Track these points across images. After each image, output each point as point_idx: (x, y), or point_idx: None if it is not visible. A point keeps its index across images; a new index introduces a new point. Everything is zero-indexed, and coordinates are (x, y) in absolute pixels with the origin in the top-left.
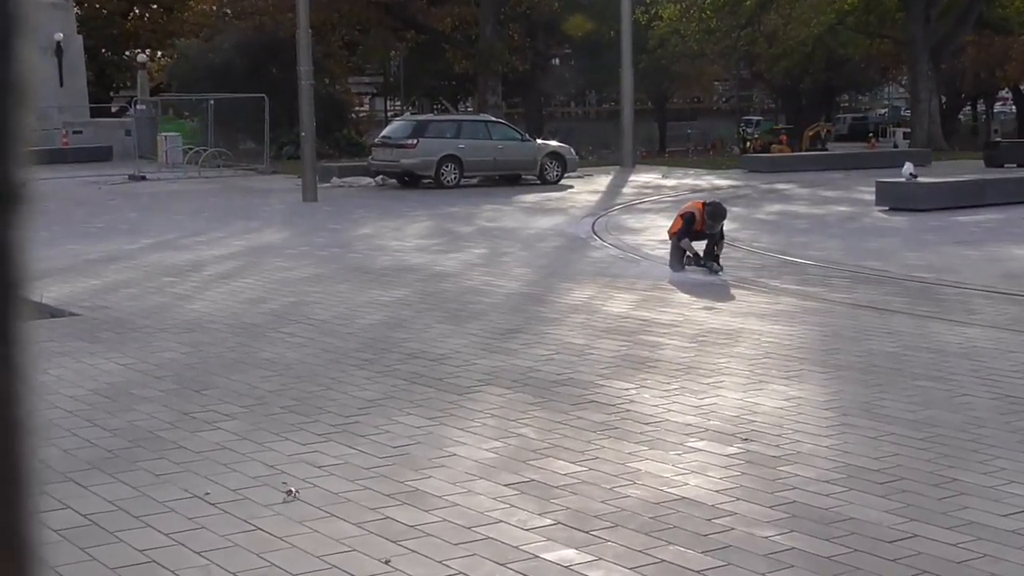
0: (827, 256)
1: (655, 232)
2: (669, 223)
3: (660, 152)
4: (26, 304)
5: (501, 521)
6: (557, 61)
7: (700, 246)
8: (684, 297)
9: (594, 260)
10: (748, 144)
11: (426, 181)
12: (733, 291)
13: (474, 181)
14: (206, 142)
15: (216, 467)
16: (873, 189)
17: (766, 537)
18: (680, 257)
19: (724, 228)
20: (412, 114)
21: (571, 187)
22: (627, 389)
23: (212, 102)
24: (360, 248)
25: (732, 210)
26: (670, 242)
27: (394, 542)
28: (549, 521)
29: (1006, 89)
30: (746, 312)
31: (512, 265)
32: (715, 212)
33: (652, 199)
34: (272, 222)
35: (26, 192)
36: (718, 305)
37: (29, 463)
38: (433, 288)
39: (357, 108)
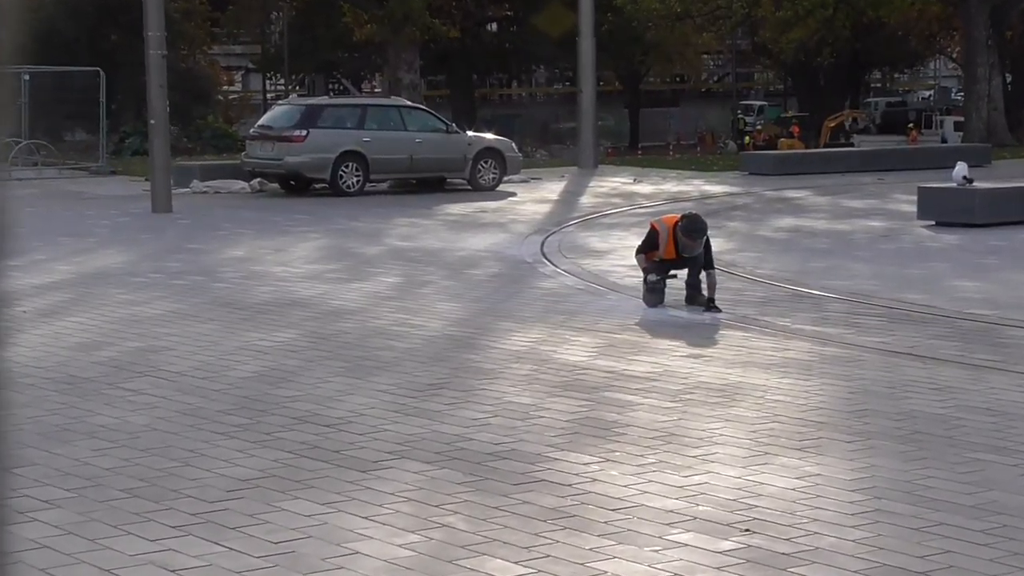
0: (853, 286)
1: (624, 254)
2: (640, 239)
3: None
4: None
5: None
6: (494, 26)
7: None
8: (664, 342)
9: (544, 292)
10: (748, 138)
11: (319, 186)
12: (728, 333)
13: (383, 186)
14: (19, 132)
15: (31, 574)
16: (914, 198)
17: None
18: (657, 287)
19: (712, 251)
20: (300, 96)
21: (513, 195)
22: (588, 464)
23: (27, 77)
24: (230, 276)
25: (728, 226)
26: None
27: None
28: None
29: None
30: (746, 361)
31: (434, 299)
32: (690, 227)
33: (620, 211)
34: (111, 240)
35: None
36: (709, 352)
37: None
38: (329, 329)
39: (226, 88)
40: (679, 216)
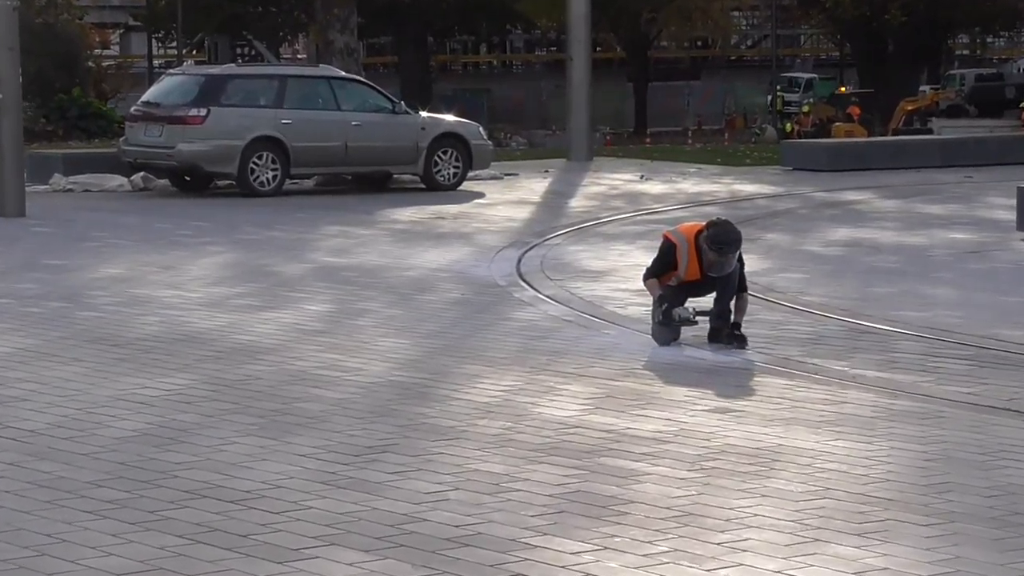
0: (931, 319)
1: (627, 275)
2: (652, 255)
3: (638, 135)
4: None
5: None
6: None
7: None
8: (679, 391)
9: (520, 325)
10: (792, 123)
11: (223, 183)
12: (765, 380)
13: (308, 184)
14: None
15: None
16: (1013, 202)
17: None
18: (670, 320)
19: (743, 268)
20: (198, 64)
21: (480, 195)
22: (578, 553)
23: None
24: (103, 302)
25: (765, 239)
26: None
27: None
28: None
29: None
30: (788, 418)
31: (375, 334)
32: (720, 236)
33: (622, 217)
34: None
35: None
36: (739, 405)
37: None
38: (235, 374)
39: (99, 52)
40: (703, 224)
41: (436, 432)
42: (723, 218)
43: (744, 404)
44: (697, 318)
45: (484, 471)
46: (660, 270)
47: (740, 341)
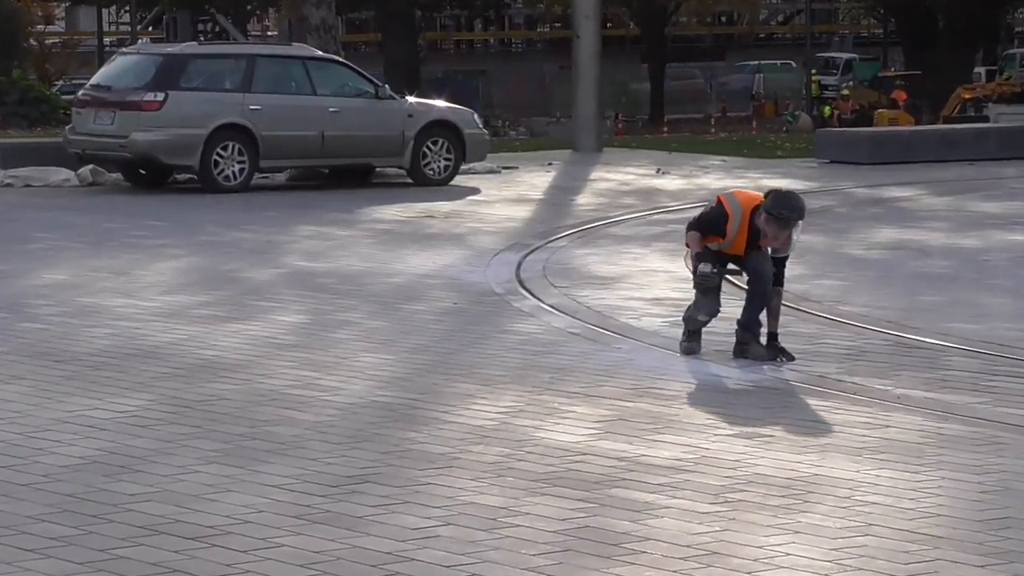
0: (987, 332)
1: (641, 282)
2: (669, 259)
3: (654, 122)
4: None
5: None
6: None
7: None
8: (700, 414)
9: (521, 338)
10: (829, 108)
11: (183, 177)
12: (799, 401)
13: (280, 178)
14: None
15: None
16: None
17: None
18: (710, 283)
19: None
20: (155, 43)
21: (475, 191)
22: None
23: None
24: (46, 313)
25: (800, 241)
26: (691, 276)
27: None
28: None
29: None
30: (824, 444)
31: (356, 348)
32: (784, 203)
33: (635, 217)
34: None
35: None
36: (768, 429)
37: None
38: (197, 393)
39: (42, 28)
40: (761, 197)
41: (425, 460)
42: (784, 189)
43: (774, 428)
44: (723, 277)
45: (479, 504)
46: (706, 227)
47: (786, 355)
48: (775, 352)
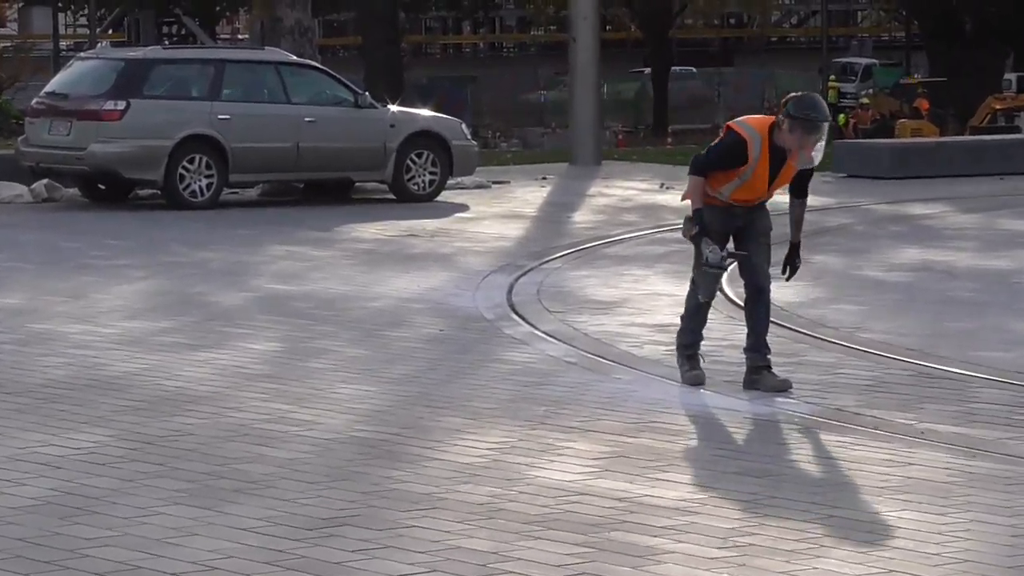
0: (1018, 361)
1: (643, 306)
2: (673, 282)
3: (657, 132)
4: None
5: None
6: None
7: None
8: (708, 450)
9: (513, 367)
10: (846, 117)
11: (146, 192)
12: (812, 436)
13: (251, 194)
14: None
15: None
16: None
17: None
18: (719, 268)
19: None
20: (115, 47)
21: (463, 208)
22: None
23: None
24: None
25: (814, 261)
26: (690, 274)
27: None
28: None
29: None
30: (843, 482)
31: (334, 379)
32: (809, 103)
33: (637, 235)
34: None
35: None
36: (782, 467)
37: None
38: (160, 428)
39: None
40: (773, 117)
41: (408, 500)
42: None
43: (788, 466)
44: (727, 262)
45: (467, 548)
46: (721, 165)
47: (792, 267)
48: (793, 260)
